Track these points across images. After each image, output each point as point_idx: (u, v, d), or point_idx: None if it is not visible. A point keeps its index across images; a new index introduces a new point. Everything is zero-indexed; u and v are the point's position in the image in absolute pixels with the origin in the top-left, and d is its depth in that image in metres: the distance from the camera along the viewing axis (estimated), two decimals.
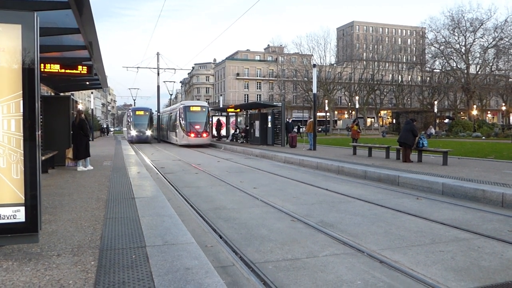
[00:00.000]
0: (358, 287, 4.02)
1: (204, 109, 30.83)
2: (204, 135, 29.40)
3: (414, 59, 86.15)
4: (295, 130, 28.60)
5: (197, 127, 29.13)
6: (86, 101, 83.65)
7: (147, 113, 37.90)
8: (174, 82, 49.39)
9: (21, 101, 3.88)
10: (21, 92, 3.88)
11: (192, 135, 29.01)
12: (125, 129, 44.68)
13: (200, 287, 3.29)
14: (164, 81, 46.20)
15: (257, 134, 26.82)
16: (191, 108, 30.23)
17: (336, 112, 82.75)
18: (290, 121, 24.85)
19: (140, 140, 35.91)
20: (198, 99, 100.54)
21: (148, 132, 36.81)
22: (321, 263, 4.66)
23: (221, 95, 67.67)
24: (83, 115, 12.34)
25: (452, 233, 5.94)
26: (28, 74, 3.89)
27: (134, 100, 58.86)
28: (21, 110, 3.88)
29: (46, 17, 6.72)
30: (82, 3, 6.17)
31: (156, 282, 3.41)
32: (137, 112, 37.77)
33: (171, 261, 3.92)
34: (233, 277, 4.26)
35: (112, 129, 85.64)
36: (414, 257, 4.87)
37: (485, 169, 11.96)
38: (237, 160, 18.54)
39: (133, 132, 36.13)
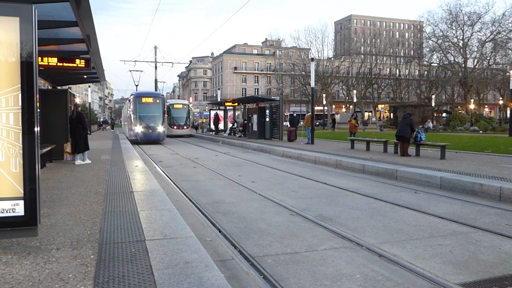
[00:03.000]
0: (357, 280, 4.03)
1: (185, 106, 35.92)
2: (185, 127, 35.22)
3: (412, 53, 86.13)
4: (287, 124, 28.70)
5: (179, 121, 34.80)
6: (83, 94, 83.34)
7: (158, 101, 26.57)
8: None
9: (20, 95, 3.86)
10: (20, 85, 3.86)
11: (175, 127, 34.55)
12: (126, 123, 33.22)
13: (200, 281, 3.29)
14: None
15: (255, 128, 26.79)
16: (175, 106, 35.55)
17: (334, 106, 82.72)
18: (295, 114, 24.83)
19: (149, 140, 25.50)
20: (196, 93, 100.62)
21: (161, 128, 25.88)
22: (320, 257, 4.67)
23: (218, 89, 67.49)
24: (79, 108, 12.30)
25: (450, 227, 5.96)
26: (26, 68, 3.87)
27: (137, 85, 44.98)
28: (20, 104, 3.86)
29: (43, 10, 6.66)
30: None
31: (156, 276, 3.41)
32: (144, 99, 26.27)
33: (171, 254, 3.93)
34: (232, 271, 4.27)
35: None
36: (413, 251, 4.89)
37: (482, 163, 12.00)
38: (235, 154, 18.54)
39: (138, 128, 25.34)
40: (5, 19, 3.81)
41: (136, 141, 25.45)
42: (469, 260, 4.60)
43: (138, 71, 45.92)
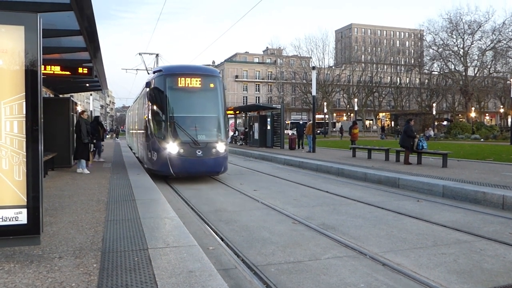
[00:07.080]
0: None
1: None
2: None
3: (413, 61, 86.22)
4: (294, 132, 28.72)
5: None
6: (84, 102, 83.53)
7: (212, 85, 12.43)
8: None
9: (24, 103, 3.87)
10: (24, 93, 3.87)
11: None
12: (135, 134, 19.45)
13: None
14: None
15: (256, 136, 26.82)
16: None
17: (334, 114, 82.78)
18: (301, 122, 24.88)
19: (197, 170, 11.76)
20: None
21: (221, 146, 12.12)
22: (324, 266, 4.65)
23: None
24: (84, 115, 12.04)
25: (454, 236, 5.93)
26: (31, 76, 3.88)
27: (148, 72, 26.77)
28: (24, 112, 3.87)
29: (47, 18, 6.69)
30: (83, 6, 6.16)
31: (159, 285, 3.39)
32: (182, 80, 11.88)
33: (174, 263, 3.91)
34: (235, 280, 4.25)
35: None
36: (417, 260, 4.86)
37: (484, 171, 11.97)
38: (237, 162, 18.51)
39: (172, 147, 11.39)
40: (10, 28, 3.83)
41: (165, 173, 11.68)
42: (473, 269, 4.57)
43: (152, 53, 30.27)
